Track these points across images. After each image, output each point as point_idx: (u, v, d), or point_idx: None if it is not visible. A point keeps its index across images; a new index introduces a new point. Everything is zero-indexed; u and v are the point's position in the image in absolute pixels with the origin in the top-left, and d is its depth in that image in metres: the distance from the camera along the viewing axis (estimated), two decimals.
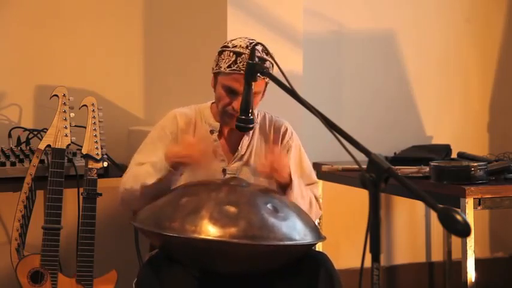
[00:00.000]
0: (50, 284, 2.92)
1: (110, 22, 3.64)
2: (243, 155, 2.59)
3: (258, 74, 2.29)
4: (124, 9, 3.67)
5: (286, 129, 2.67)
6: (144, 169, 2.49)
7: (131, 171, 2.54)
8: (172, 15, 3.67)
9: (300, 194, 2.50)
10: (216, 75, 2.53)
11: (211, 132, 2.59)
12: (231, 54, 2.46)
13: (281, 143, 2.65)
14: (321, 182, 3.54)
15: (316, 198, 2.65)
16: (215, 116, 2.61)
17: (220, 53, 2.51)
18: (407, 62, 4.15)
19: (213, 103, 2.65)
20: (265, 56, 2.42)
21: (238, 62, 2.43)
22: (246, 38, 2.52)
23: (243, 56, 2.42)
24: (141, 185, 2.44)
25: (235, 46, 2.46)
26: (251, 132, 2.60)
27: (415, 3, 4.17)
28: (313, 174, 2.73)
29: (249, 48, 2.40)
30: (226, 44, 2.52)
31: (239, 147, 2.59)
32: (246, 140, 2.60)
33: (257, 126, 2.63)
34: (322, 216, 3.73)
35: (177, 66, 3.65)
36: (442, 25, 4.22)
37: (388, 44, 4.12)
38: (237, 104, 2.44)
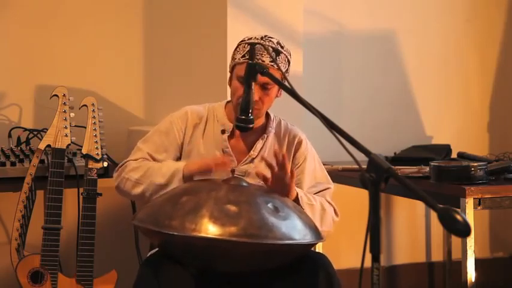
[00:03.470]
0: (50, 284, 2.92)
1: (110, 22, 3.65)
2: (254, 158, 2.58)
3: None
4: (124, 9, 3.67)
5: (301, 141, 2.65)
6: (157, 166, 2.50)
7: (143, 163, 2.53)
8: (172, 15, 3.67)
9: (307, 202, 2.49)
10: (232, 70, 2.54)
11: (222, 132, 2.58)
12: (246, 45, 2.47)
13: (295, 154, 2.63)
14: None
15: (329, 203, 2.61)
16: (229, 116, 2.60)
17: (236, 47, 2.54)
18: (407, 62, 4.15)
19: (227, 102, 2.65)
20: (280, 49, 2.49)
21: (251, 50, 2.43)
22: (261, 34, 2.56)
23: (257, 45, 2.41)
24: (150, 181, 2.45)
25: (250, 38, 2.49)
26: (266, 136, 2.60)
27: (415, 3, 4.17)
28: (327, 180, 2.68)
29: (264, 39, 2.48)
30: (242, 39, 2.55)
31: (252, 150, 2.58)
32: (259, 144, 2.59)
33: (272, 132, 2.62)
34: None
35: (177, 66, 3.65)
36: (442, 25, 4.22)
37: (388, 44, 4.12)
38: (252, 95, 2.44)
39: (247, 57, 2.42)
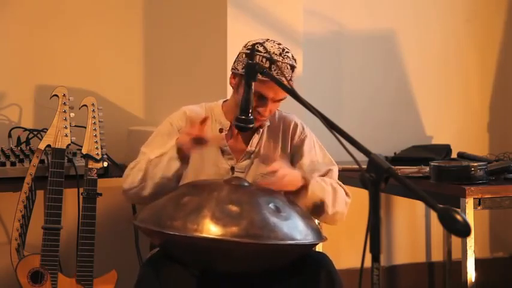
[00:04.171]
0: (50, 284, 2.92)
1: (110, 22, 3.65)
2: (251, 153, 2.58)
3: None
4: (124, 9, 3.67)
5: (297, 125, 2.64)
6: (154, 162, 2.47)
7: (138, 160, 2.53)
8: (172, 15, 3.67)
9: (319, 186, 2.46)
10: (242, 76, 2.46)
11: (221, 130, 2.58)
12: (264, 60, 2.41)
13: (292, 141, 2.63)
14: None
15: (339, 184, 2.58)
16: (226, 115, 2.60)
17: (250, 56, 2.39)
18: (407, 62, 4.15)
19: (224, 102, 2.65)
20: (295, 64, 2.48)
21: (272, 69, 2.39)
22: (274, 41, 2.50)
23: (278, 63, 2.40)
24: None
25: (268, 52, 2.40)
26: (261, 130, 2.59)
27: (415, 3, 4.17)
28: (329, 162, 2.65)
29: (282, 55, 2.44)
30: (256, 46, 2.42)
31: (249, 145, 2.58)
32: (256, 138, 2.59)
33: (267, 124, 2.61)
34: None
35: (177, 66, 3.65)
36: (442, 25, 4.22)
37: (388, 44, 4.12)
38: (264, 109, 2.45)
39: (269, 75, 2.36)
